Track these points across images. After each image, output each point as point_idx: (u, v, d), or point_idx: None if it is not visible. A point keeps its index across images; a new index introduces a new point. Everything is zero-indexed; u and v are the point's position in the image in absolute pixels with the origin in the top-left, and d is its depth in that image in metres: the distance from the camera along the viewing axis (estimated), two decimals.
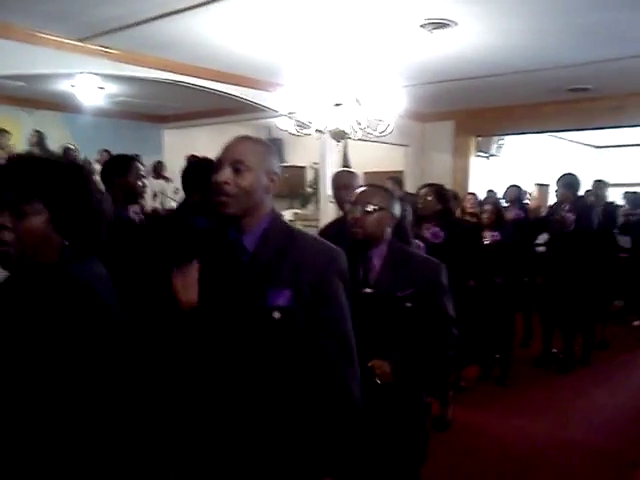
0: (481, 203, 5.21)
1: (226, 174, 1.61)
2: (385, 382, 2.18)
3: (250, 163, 1.63)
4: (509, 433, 4.15)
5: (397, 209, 2.34)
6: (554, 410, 4.57)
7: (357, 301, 2.01)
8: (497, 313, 4.94)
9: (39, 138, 7.93)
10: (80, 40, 4.81)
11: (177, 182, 4.56)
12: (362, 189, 2.38)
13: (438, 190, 4.07)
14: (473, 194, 5.73)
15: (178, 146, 8.86)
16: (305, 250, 1.65)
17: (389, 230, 2.31)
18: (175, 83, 5.72)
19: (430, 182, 4.33)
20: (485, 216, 5.02)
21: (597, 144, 12.46)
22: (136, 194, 3.21)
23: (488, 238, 4.94)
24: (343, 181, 3.41)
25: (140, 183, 3.21)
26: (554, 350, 5.74)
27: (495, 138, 9.32)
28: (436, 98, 7.23)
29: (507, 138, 9.55)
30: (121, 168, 3.17)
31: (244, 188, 1.61)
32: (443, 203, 4.03)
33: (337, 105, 4.50)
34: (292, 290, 1.59)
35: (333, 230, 3.09)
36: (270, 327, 1.58)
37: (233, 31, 4.63)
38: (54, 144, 8.51)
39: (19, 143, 8.34)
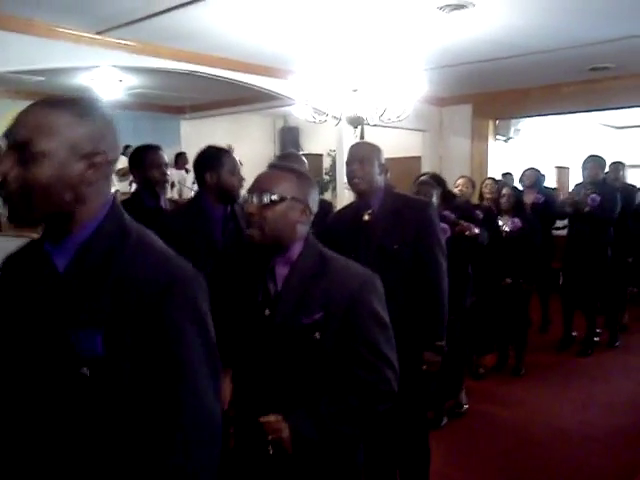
0: (499, 188, 5.14)
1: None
2: (279, 451, 1.59)
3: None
4: (525, 418, 4.14)
5: (314, 197, 1.74)
6: (573, 395, 4.55)
7: (255, 328, 1.71)
8: (513, 302, 4.84)
9: None
10: (98, 33, 4.84)
11: None
12: (262, 173, 1.76)
13: (434, 176, 4.15)
14: (492, 179, 5.64)
15: (195, 136, 8.90)
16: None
17: (303, 229, 1.71)
18: (191, 73, 5.74)
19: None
20: (504, 200, 4.95)
21: (618, 125, 12.26)
22: (153, 183, 3.24)
23: (508, 225, 4.86)
24: (360, 154, 2.87)
25: (157, 173, 3.21)
26: (574, 333, 5.72)
27: (513, 121, 9.20)
28: (453, 81, 7.16)
29: (525, 120, 9.43)
30: (138, 159, 3.23)
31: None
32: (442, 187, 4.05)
33: (354, 91, 4.48)
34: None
35: (344, 216, 2.90)
36: None
37: (247, 20, 4.62)
38: None
39: None
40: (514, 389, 4.68)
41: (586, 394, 4.57)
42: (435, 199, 3.76)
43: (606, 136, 12.19)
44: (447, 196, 4.07)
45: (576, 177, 8.63)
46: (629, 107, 8.01)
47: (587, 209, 5.25)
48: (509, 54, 5.76)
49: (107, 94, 7.23)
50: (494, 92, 7.77)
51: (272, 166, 1.85)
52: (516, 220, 4.84)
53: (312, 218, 1.74)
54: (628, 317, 6.43)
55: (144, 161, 3.20)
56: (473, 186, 4.88)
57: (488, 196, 5.17)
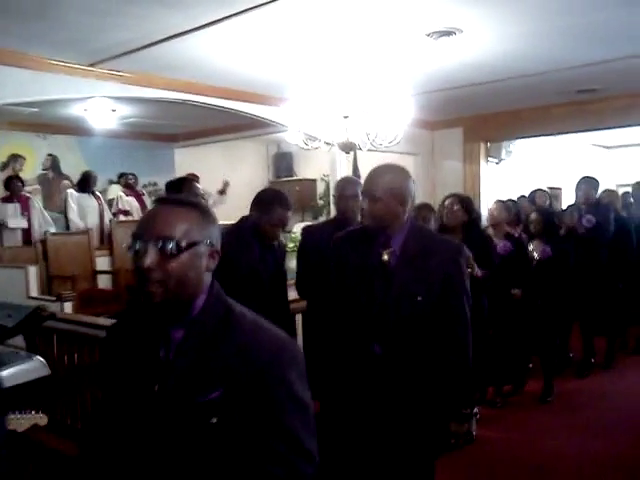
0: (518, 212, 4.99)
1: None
2: None
3: None
4: (530, 444, 4.10)
5: (217, 235, 1.38)
6: (575, 420, 4.52)
7: (141, 409, 1.36)
8: (537, 329, 4.74)
9: (53, 162, 8.08)
10: (91, 65, 4.90)
11: None
12: (152, 211, 1.37)
13: (463, 200, 4.05)
14: (501, 201, 5.13)
15: (189, 164, 8.95)
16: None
17: (209, 277, 1.37)
18: (184, 102, 5.80)
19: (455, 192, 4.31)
20: (532, 226, 4.83)
21: (607, 144, 12.39)
22: None
23: (538, 252, 4.72)
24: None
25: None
26: (571, 354, 5.71)
27: (505, 143, 9.30)
28: (444, 105, 7.26)
29: (517, 142, 9.54)
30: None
31: None
32: (469, 214, 4.00)
33: (345, 117, 4.54)
34: None
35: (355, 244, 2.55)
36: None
37: (239, 49, 4.69)
38: (68, 167, 8.66)
39: (34, 167, 8.49)
40: (519, 414, 4.65)
41: (589, 419, 4.54)
42: (433, 223, 3.75)
43: (597, 156, 12.32)
44: (472, 224, 3.97)
45: (568, 198, 8.72)
46: (617, 127, 8.11)
47: (582, 231, 5.28)
48: (497, 78, 5.85)
49: (100, 124, 7.30)
50: (484, 115, 7.87)
51: (163, 200, 1.41)
52: (547, 249, 4.74)
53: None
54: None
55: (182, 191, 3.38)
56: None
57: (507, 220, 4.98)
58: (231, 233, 3.06)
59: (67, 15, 3.82)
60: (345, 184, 3.50)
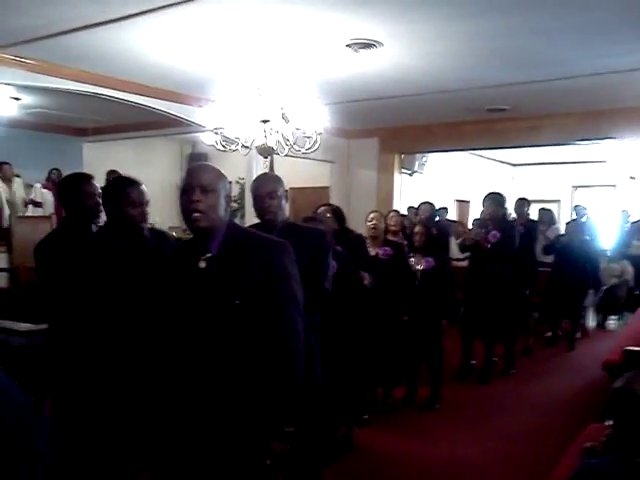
0: (410, 224, 5.20)
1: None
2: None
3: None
4: (426, 450, 4.16)
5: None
6: (472, 424, 4.66)
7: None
8: (426, 337, 4.83)
9: None
10: None
11: None
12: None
13: (335, 210, 4.12)
14: (396, 211, 5.76)
15: (99, 160, 8.59)
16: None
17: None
18: (95, 95, 5.55)
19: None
20: (416, 239, 4.90)
21: (514, 162, 13.02)
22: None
23: (422, 264, 4.82)
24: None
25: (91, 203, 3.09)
26: (473, 362, 5.91)
27: (418, 155, 9.57)
28: (361, 115, 7.36)
29: (430, 155, 9.82)
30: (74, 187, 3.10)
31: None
32: (340, 222, 4.06)
33: (264, 122, 4.48)
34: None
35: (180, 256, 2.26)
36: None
37: (157, 46, 4.55)
38: None
39: None
40: (415, 420, 4.73)
41: (485, 423, 4.70)
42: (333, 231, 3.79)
43: (503, 172, 12.91)
44: (342, 231, 4.05)
45: (476, 210, 9.06)
46: (523, 147, 8.53)
47: (489, 246, 5.48)
48: (414, 92, 5.99)
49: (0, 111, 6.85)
50: (400, 127, 8.05)
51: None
52: (430, 259, 4.83)
53: None
54: (533, 341, 6.79)
55: (81, 190, 3.05)
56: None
57: (393, 229, 5.24)
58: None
59: None
60: (261, 182, 2.99)
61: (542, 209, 8.23)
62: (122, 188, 2.82)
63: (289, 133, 4.59)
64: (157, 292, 2.13)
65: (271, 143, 4.69)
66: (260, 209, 2.79)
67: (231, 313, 1.95)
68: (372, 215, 4.75)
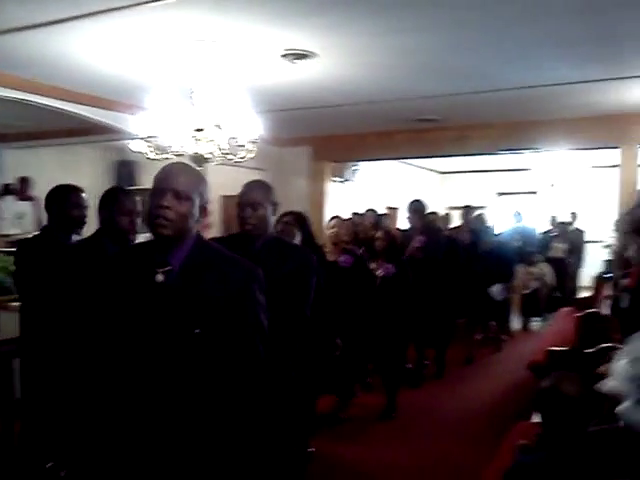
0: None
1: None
2: None
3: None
4: (359, 454, 4.21)
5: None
6: (403, 426, 4.74)
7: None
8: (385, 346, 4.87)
9: None
10: None
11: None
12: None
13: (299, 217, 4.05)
14: (338, 217, 5.23)
15: (21, 167, 8.24)
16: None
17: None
18: (15, 100, 5.33)
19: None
20: (378, 244, 4.92)
21: (441, 170, 13.39)
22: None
23: (381, 270, 4.84)
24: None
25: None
26: (409, 365, 6.03)
27: (350, 163, 9.69)
28: (295, 124, 7.39)
29: (361, 163, 9.97)
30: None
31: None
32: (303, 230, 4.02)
33: (198, 130, 4.43)
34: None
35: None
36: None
37: (91, 51, 4.43)
38: None
39: None
40: (347, 426, 4.76)
41: (417, 425, 4.80)
42: (298, 241, 3.75)
43: (432, 180, 13.26)
44: (310, 238, 3.99)
45: (404, 217, 9.26)
46: (451, 156, 8.80)
47: (414, 251, 5.61)
48: (346, 101, 6.08)
49: None
50: (332, 136, 8.13)
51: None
52: (389, 266, 4.86)
53: None
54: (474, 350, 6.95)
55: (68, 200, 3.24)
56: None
57: (345, 238, 5.11)
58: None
59: None
60: (247, 189, 2.69)
61: (478, 215, 8.46)
62: (115, 195, 3.03)
63: (223, 142, 4.56)
64: (101, 302, 1.82)
65: (204, 151, 4.65)
66: (240, 219, 2.56)
67: (188, 343, 1.69)
68: (333, 222, 4.73)
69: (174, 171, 1.80)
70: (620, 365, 1.21)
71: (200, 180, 1.83)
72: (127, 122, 5.25)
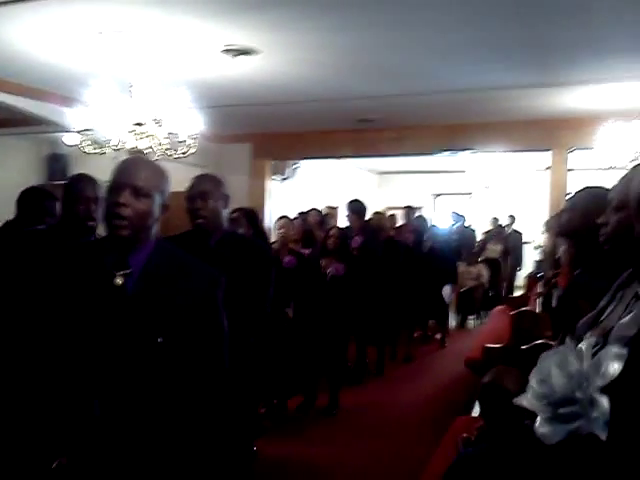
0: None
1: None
2: None
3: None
4: (306, 450, 4.24)
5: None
6: (350, 423, 4.79)
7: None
8: (325, 340, 4.85)
9: None
10: None
11: None
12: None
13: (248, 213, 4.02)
14: (287, 217, 5.03)
15: None
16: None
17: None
18: None
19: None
20: (330, 242, 4.91)
21: (379, 170, 13.58)
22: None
23: (331, 268, 4.83)
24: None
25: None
26: (348, 363, 6.09)
27: (290, 162, 9.68)
28: (235, 121, 7.33)
29: (302, 162, 9.98)
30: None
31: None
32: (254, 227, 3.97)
33: (137, 125, 4.33)
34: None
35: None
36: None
37: (27, 40, 4.26)
38: None
39: None
40: (289, 424, 4.76)
41: (359, 422, 4.85)
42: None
43: (370, 180, 13.41)
44: (260, 235, 3.96)
45: (343, 216, 9.34)
46: (389, 156, 8.94)
47: (353, 251, 5.66)
48: (287, 100, 6.09)
49: None
50: (272, 134, 8.11)
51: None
52: (340, 266, 4.84)
53: None
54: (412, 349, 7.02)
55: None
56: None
57: (295, 237, 5.03)
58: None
59: None
60: (195, 181, 2.61)
61: (420, 215, 8.60)
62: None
63: (162, 137, 4.48)
64: (51, 303, 1.65)
65: (143, 147, 4.55)
66: (190, 211, 2.43)
67: (150, 351, 1.59)
68: (282, 222, 4.65)
69: (134, 165, 1.66)
70: (531, 384, 1.26)
71: (162, 176, 1.69)
72: (62, 115, 5.08)
